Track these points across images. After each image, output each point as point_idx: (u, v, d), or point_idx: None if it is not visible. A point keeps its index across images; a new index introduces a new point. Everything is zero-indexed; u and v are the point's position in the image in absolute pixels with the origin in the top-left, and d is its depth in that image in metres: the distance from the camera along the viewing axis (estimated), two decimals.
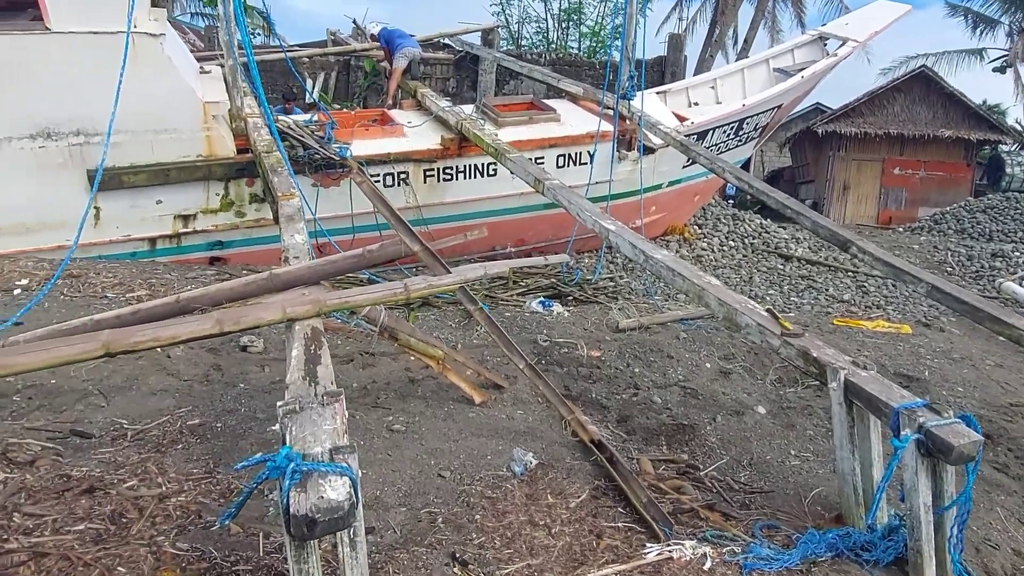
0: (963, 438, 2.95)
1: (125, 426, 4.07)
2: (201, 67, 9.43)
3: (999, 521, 3.71)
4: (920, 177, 21.88)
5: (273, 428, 3.31)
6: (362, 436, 3.89)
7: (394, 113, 9.92)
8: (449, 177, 8.99)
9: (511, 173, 7.54)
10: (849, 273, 10.18)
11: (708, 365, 5.67)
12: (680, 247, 10.82)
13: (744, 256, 10.85)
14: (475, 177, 9.07)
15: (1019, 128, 26.32)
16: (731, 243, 11.38)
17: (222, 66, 8.82)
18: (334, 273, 3.77)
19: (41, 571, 2.74)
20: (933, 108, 22.03)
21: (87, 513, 3.10)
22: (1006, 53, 27.00)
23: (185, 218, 8.21)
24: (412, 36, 12.56)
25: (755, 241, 11.56)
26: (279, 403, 2.50)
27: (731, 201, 17.32)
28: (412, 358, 4.69)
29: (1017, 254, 12.87)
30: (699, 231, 11.78)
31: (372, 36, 12.35)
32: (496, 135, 8.52)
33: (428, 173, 8.89)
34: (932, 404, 3.20)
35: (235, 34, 8.00)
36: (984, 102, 28.95)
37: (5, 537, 2.87)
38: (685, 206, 11.56)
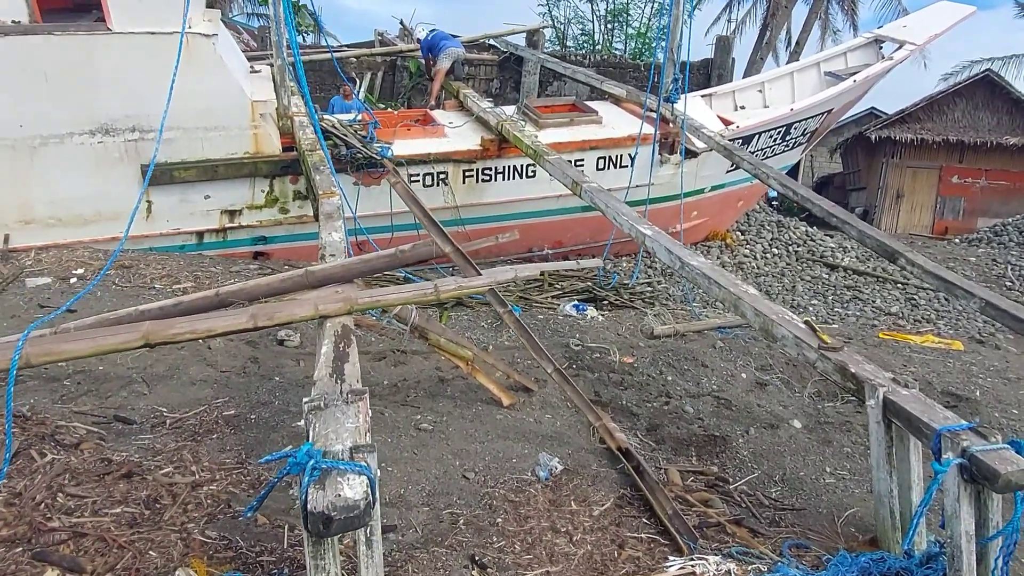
0: (1011, 465, 2.81)
1: (165, 414, 4.20)
2: (252, 66, 9.66)
3: None
4: (980, 186, 21.03)
5: (299, 424, 3.37)
6: (389, 433, 3.93)
7: (436, 113, 10.00)
8: (488, 178, 9.02)
9: (549, 175, 7.53)
10: (898, 285, 9.86)
11: (744, 376, 5.56)
12: (722, 253, 10.64)
13: (788, 264, 10.61)
14: (514, 178, 9.08)
15: None
16: (775, 250, 11.13)
17: (272, 65, 9.02)
18: (368, 272, 3.81)
19: (79, 550, 2.85)
20: (997, 114, 21.16)
21: (124, 497, 3.21)
22: None
23: (231, 213, 8.42)
24: (456, 37, 12.65)
25: (800, 249, 11.29)
26: (304, 399, 2.54)
27: (774, 204, 16.91)
28: (443, 358, 4.72)
29: None
30: (742, 237, 11.56)
31: (417, 41, 12.45)
32: (536, 136, 8.51)
33: (467, 173, 8.93)
34: (978, 427, 3.06)
35: (284, 35, 8.17)
36: None
37: (49, 516, 2.99)
38: (728, 211, 11.37)
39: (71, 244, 7.74)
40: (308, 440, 2.28)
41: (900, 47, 11.21)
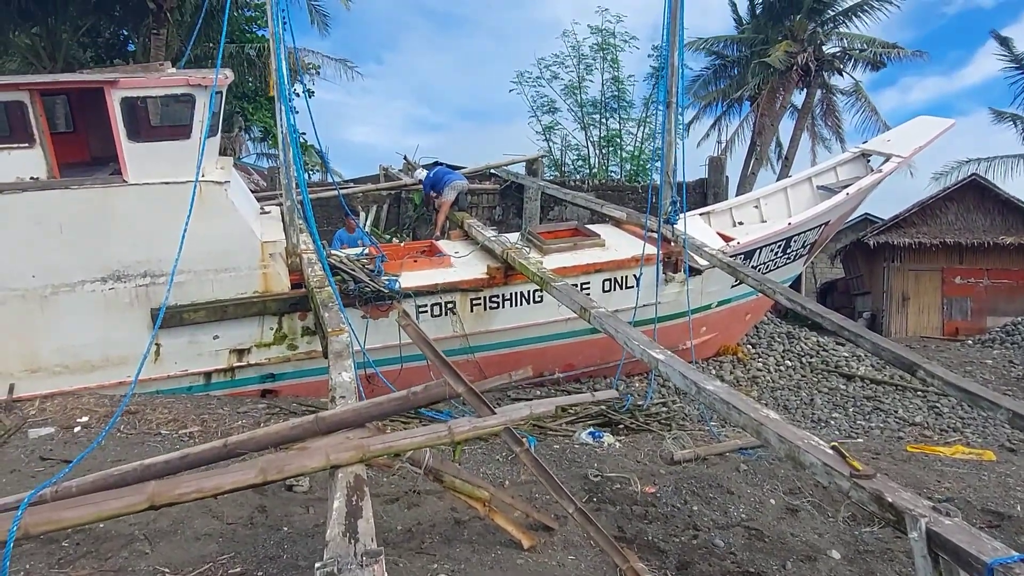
0: None
1: (166, 575, 3.98)
2: (262, 207, 10.00)
3: None
4: (984, 286, 21.10)
5: None
6: None
7: (442, 244, 10.22)
8: (496, 305, 9.08)
9: (557, 301, 7.57)
10: (918, 393, 9.64)
11: (773, 501, 5.31)
12: (735, 368, 10.50)
13: (803, 376, 10.43)
14: (521, 304, 9.13)
15: None
16: (788, 362, 10.99)
17: (281, 205, 9.33)
18: (379, 416, 3.73)
19: None
20: (990, 215, 21.60)
21: None
22: None
23: (240, 352, 8.42)
24: (459, 169, 13.18)
25: (813, 360, 11.14)
26: (317, 564, 2.40)
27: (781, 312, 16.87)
28: (460, 498, 4.52)
29: None
30: (753, 350, 11.46)
31: (418, 181, 12.96)
32: (541, 263, 8.63)
33: (475, 302, 9.00)
34: None
35: (293, 177, 8.50)
36: None
37: None
38: (737, 325, 11.34)
39: (77, 391, 7.69)
40: None
41: (887, 160, 11.61)
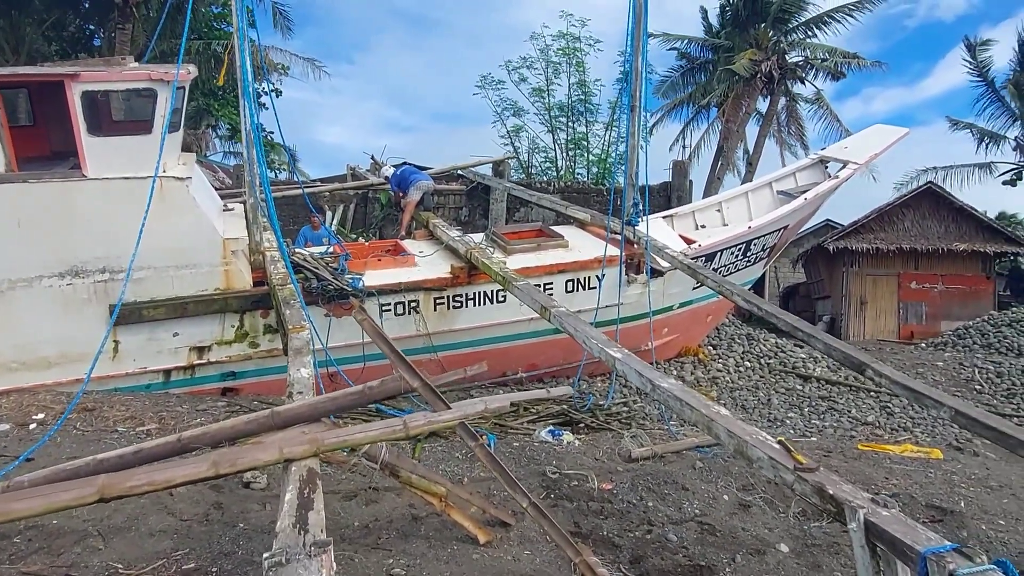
0: None
1: (120, 571, 3.95)
2: (226, 204, 9.90)
3: None
4: (939, 291, 21.76)
5: None
6: None
7: (407, 243, 10.23)
8: (459, 304, 9.11)
9: (519, 301, 7.64)
10: (871, 393, 9.92)
11: (726, 497, 5.44)
12: (695, 369, 10.68)
13: (761, 377, 10.66)
14: (484, 304, 9.18)
15: None
16: (747, 363, 11.22)
17: (245, 203, 9.25)
18: (335, 410, 3.75)
19: None
20: (944, 222, 22.26)
21: None
22: (1015, 166, 27.58)
23: (200, 349, 8.33)
24: (425, 170, 13.20)
25: (772, 361, 11.39)
26: (265, 554, 2.42)
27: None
28: (417, 494, 4.56)
29: None
30: (714, 352, 11.67)
31: (385, 178, 12.96)
32: (504, 263, 8.70)
33: (438, 301, 9.03)
34: (963, 547, 2.99)
35: (256, 174, 8.44)
36: (1002, 214, 29.35)
37: None
38: (698, 327, 11.53)
39: (33, 388, 7.54)
40: None
41: (844, 166, 11.93)
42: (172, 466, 3.24)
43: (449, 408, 3.65)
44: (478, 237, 10.22)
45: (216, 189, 11.52)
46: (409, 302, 8.94)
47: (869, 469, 6.41)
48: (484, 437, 6.20)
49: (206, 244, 8.08)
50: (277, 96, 22.96)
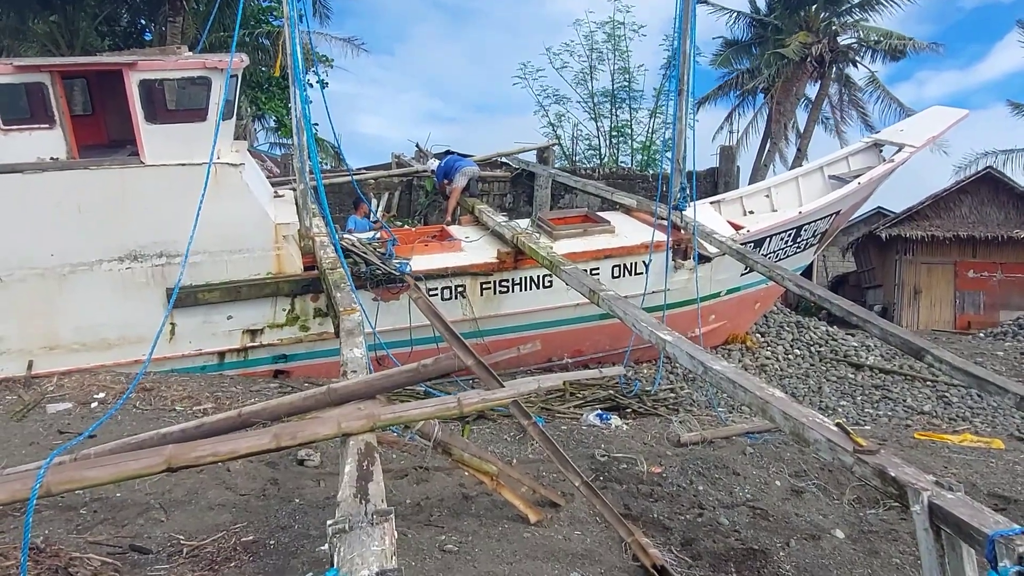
0: None
1: (182, 542, 4.08)
2: (276, 191, 10.09)
3: None
4: (998, 279, 20.96)
5: (323, 548, 3.25)
6: (413, 557, 3.78)
7: (453, 229, 10.28)
8: (505, 289, 9.13)
9: (566, 285, 7.62)
10: (928, 382, 9.62)
11: (778, 483, 5.36)
12: (743, 356, 10.51)
13: (811, 365, 10.42)
14: (531, 289, 9.18)
15: None
16: (796, 351, 10.98)
17: (294, 190, 9.41)
18: (390, 387, 3.80)
19: None
20: (1004, 209, 21.42)
21: None
22: None
23: (253, 332, 8.53)
24: (469, 157, 13.21)
25: (822, 349, 11.14)
26: (329, 522, 2.47)
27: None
28: (466, 473, 4.60)
29: None
30: (762, 339, 11.46)
31: (431, 171, 13.03)
32: (551, 248, 8.68)
33: (485, 286, 9.06)
34: None
35: (307, 162, 8.58)
36: None
37: None
38: (746, 314, 11.34)
39: (94, 368, 7.82)
40: (333, 566, 2.19)
41: (900, 149, 11.54)
42: (235, 438, 3.34)
43: (503, 387, 3.67)
44: (524, 223, 10.21)
45: (266, 177, 11.75)
46: (456, 287, 9.00)
47: (927, 458, 6.23)
48: (535, 420, 6.23)
49: (258, 229, 8.26)
50: (324, 87, 23.28)
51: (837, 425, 3.79)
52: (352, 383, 3.78)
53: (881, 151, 12.08)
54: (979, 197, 21.59)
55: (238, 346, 8.50)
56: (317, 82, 16.11)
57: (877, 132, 13.05)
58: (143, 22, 22.31)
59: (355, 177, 13.40)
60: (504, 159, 15.60)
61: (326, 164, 25.10)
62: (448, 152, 13.74)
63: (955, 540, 3.04)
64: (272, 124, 26.38)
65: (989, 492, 5.41)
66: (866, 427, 7.80)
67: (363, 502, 2.62)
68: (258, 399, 7.19)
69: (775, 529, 4.53)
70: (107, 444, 3.89)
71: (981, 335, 17.70)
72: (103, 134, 9.29)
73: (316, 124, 19.31)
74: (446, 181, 12.12)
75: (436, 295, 8.94)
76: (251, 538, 4.14)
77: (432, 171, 13.00)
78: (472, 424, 6.39)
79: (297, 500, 4.70)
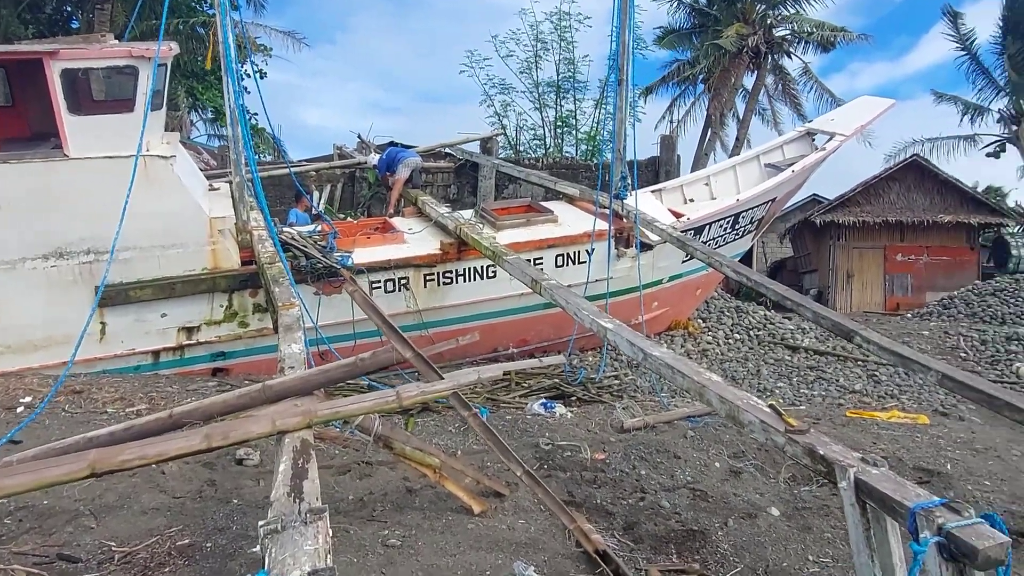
0: (988, 540, 2.76)
1: (113, 548, 3.94)
2: (211, 184, 9.79)
3: None
4: (924, 262, 21.95)
5: (254, 550, 3.18)
6: (355, 553, 3.74)
7: (395, 221, 10.17)
8: (449, 281, 9.09)
9: (509, 275, 7.63)
10: (859, 362, 10.01)
11: (717, 464, 5.49)
12: (685, 341, 10.74)
13: (750, 348, 10.74)
14: (475, 280, 9.17)
15: (1020, 210, 26.62)
16: (736, 335, 11.29)
17: (231, 182, 9.15)
18: (327, 382, 3.73)
19: None
20: (929, 195, 22.39)
21: None
22: (999, 138, 27.77)
23: (189, 330, 8.27)
24: (412, 148, 13.09)
25: (760, 333, 11.48)
26: (260, 522, 2.41)
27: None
28: (410, 467, 4.57)
29: None
30: (703, 324, 11.73)
31: (373, 166, 12.89)
32: (494, 238, 8.67)
33: (428, 277, 9.00)
34: (951, 502, 3.02)
35: (242, 154, 8.34)
36: (981, 186, 29.56)
37: None
38: (688, 300, 11.58)
39: (20, 371, 7.47)
40: (264, 567, 2.14)
41: (831, 138, 11.93)
42: (164, 440, 3.23)
43: (442, 378, 3.65)
44: (467, 214, 10.18)
45: (201, 170, 11.39)
46: (399, 279, 8.91)
47: (857, 435, 6.49)
48: (477, 410, 6.23)
49: (192, 223, 8.00)
50: (262, 77, 22.68)
51: (770, 407, 3.90)
52: (288, 379, 3.70)
53: (814, 140, 12.46)
54: (906, 184, 22.53)
55: (173, 344, 8.23)
56: (255, 72, 15.68)
57: (810, 122, 13.44)
58: (69, 9, 21.31)
59: (296, 169, 13.12)
60: (448, 150, 15.50)
61: (266, 156, 24.53)
62: (391, 143, 13.59)
63: (880, 514, 3.16)
64: (210, 115, 25.63)
65: (914, 466, 5.67)
66: (801, 407, 8.07)
67: (297, 501, 2.57)
68: (195, 398, 6.98)
69: (714, 510, 4.65)
70: (30, 450, 3.71)
71: (909, 316, 18.52)
72: (24, 126, 8.83)
73: (254, 115, 18.84)
74: (389, 173, 11.99)
75: (379, 288, 8.84)
76: (187, 542, 4.03)
77: (374, 165, 12.86)
78: (416, 417, 6.35)
79: (236, 501, 4.59)
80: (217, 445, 3.13)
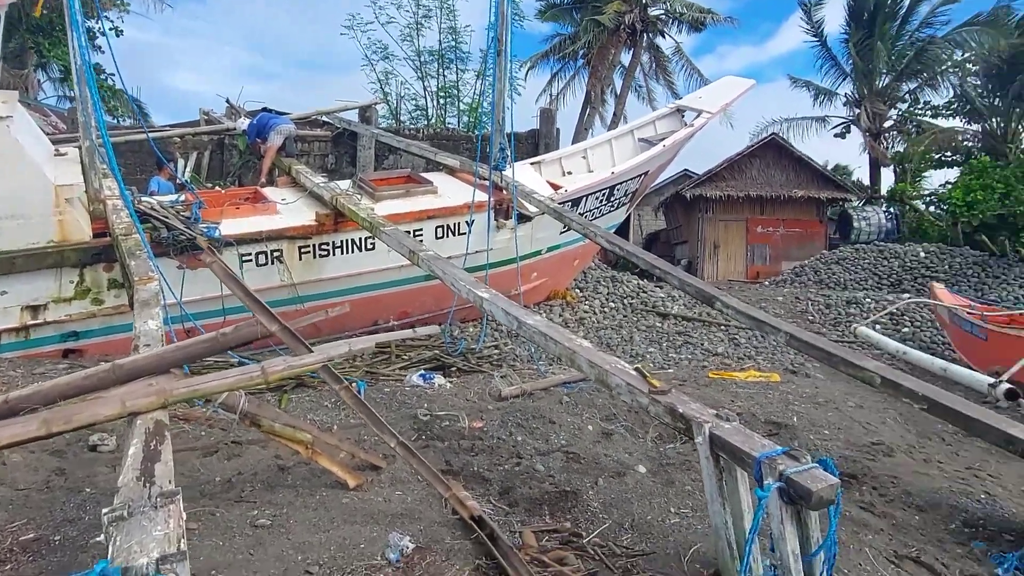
0: (821, 483, 3.05)
1: None
2: (57, 149, 8.92)
3: (868, 562, 3.83)
4: (780, 234, 23.75)
5: (98, 539, 2.99)
6: (221, 536, 3.59)
7: (267, 191, 9.72)
8: (326, 253, 8.82)
9: (387, 246, 7.50)
10: (722, 327, 10.71)
11: (590, 427, 5.71)
12: (563, 311, 11.03)
13: (624, 316, 11.20)
14: (353, 252, 8.94)
15: (862, 186, 29.30)
16: (611, 304, 11.73)
17: (80, 147, 8.37)
18: (185, 360, 3.53)
19: None
20: (786, 171, 24.17)
21: None
22: (844, 120, 30.29)
23: (34, 309, 7.56)
24: (286, 115, 12.51)
25: (634, 301, 11.99)
26: (104, 509, 2.26)
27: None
28: (282, 445, 4.43)
29: (869, 300, 14.04)
30: (581, 294, 12.09)
31: (242, 131, 12.21)
32: (372, 209, 8.48)
33: (303, 250, 8.68)
34: (791, 451, 3.30)
35: (91, 115, 7.64)
36: (831, 164, 32.18)
37: None
38: (566, 271, 11.87)
39: None
40: (107, 556, 2.01)
41: (699, 115, 12.53)
42: None
43: (311, 351, 3.54)
44: (345, 184, 9.88)
45: (49, 134, 10.35)
46: (272, 251, 8.53)
47: (718, 394, 6.95)
48: (353, 384, 6.12)
49: (34, 191, 7.27)
50: (117, 35, 20.83)
51: (636, 370, 4.10)
52: (141, 358, 3.47)
53: (683, 116, 13.03)
54: (766, 160, 24.18)
55: (16, 325, 7.49)
56: (109, 29, 14.35)
57: (680, 99, 14.06)
58: None
59: (156, 135, 12.21)
60: (324, 118, 14.92)
61: (125, 120, 22.65)
62: (265, 110, 12.90)
63: (731, 464, 3.41)
64: (58, 74, 23.34)
65: (766, 420, 6.16)
66: (670, 370, 8.53)
67: (148, 485, 2.43)
68: (42, 384, 6.41)
69: (585, 471, 4.83)
70: None
71: (766, 283, 20.01)
72: None
73: (110, 75, 17.28)
74: (260, 140, 11.41)
75: (250, 261, 8.43)
76: (32, 536, 3.71)
77: (244, 130, 12.19)
78: (291, 393, 6.16)
79: (88, 489, 4.27)
80: (58, 430, 2.90)
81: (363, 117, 15.49)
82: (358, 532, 3.72)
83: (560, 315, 10.72)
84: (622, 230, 23.29)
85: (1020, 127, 25.53)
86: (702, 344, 9.92)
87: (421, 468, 3.91)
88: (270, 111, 12.51)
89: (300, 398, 6.09)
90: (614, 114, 26.46)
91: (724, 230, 23.71)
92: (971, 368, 7.29)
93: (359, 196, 9.20)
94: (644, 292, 12.50)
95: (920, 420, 6.66)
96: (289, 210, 8.98)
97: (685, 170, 28.24)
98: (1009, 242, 18.25)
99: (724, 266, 23.59)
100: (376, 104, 17.15)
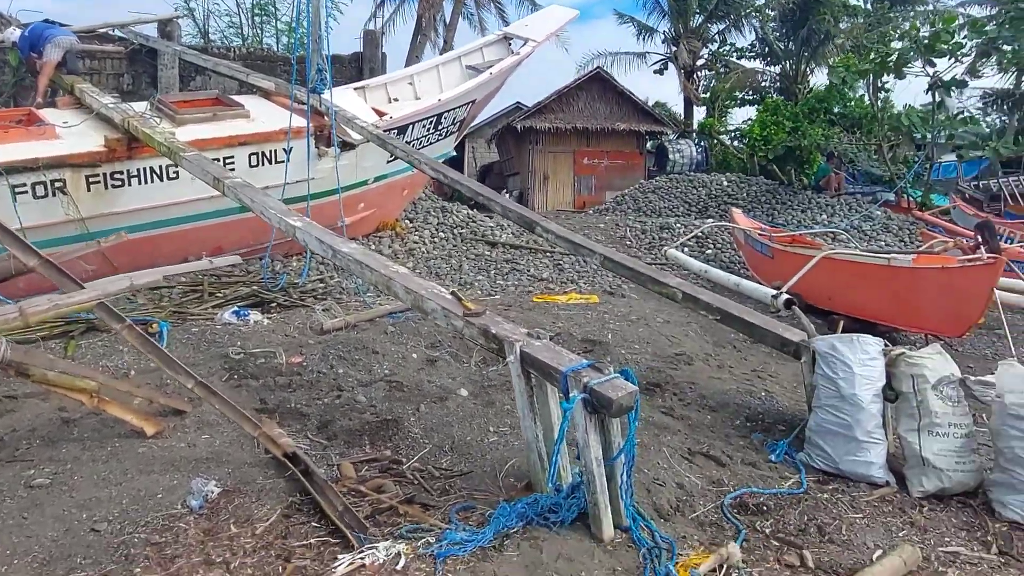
0: (621, 391, 3.23)
1: None
2: None
3: (665, 460, 4.16)
4: (605, 166, 24.78)
5: None
6: None
7: (45, 112, 8.44)
8: (120, 183, 7.89)
9: (190, 174, 6.84)
10: (547, 254, 11.04)
11: (415, 356, 5.69)
12: (393, 242, 10.81)
13: (454, 246, 11.19)
14: (153, 181, 8.08)
15: (678, 120, 31.18)
16: (441, 234, 11.67)
17: None
18: None
19: None
20: (610, 105, 25.06)
21: None
22: (663, 57, 31.78)
23: None
24: (67, 26, 10.86)
25: (463, 231, 12.00)
26: None
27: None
28: (62, 394, 3.97)
29: (679, 226, 15.12)
30: (411, 225, 11.90)
31: (13, 44, 10.44)
32: (173, 134, 7.66)
33: (92, 180, 7.70)
34: (596, 364, 3.45)
35: None
36: (650, 101, 33.79)
37: None
38: (395, 201, 11.58)
39: None
40: None
41: (525, 43, 12.48)
42: None
43: (82, 288, 3.13)
44: (141, 106, 8.81)
45: None
46: (52, 182, 7.47)
47: (540, 316, 7.19)
48: (155, 325, 5.63)
49: None
50: None
51: (452, 294, 4.08)
52: None
53: (510, 44, 12.92)
54: (592, 93, 24.89)
55: None
56: None
57: (505, 27, 13.92)
58: None
59: None
60: (117, 32, 13.13)
61: None
62: (46, 22, 11.08)
63: (541, 380, 3.52)
64: None
65: (583, 338, 6.47)
66: (496, 296, 8.69)
67: None
68: None
69: (408, 398, 4.82)
70: None
71: (591, 212, 20.94)
72: None
73: None
74: (34, 55, 9.85)
75: (26, 193, 7.35)
76: None
77: (14, 43, 10.44)
78: (79, 339, 5.54)
79: None
80: None
81: (163, 33, 13.81)
82: (156, 482, 3.46)
83: (390, 246, 10.50)
84: (456, 162, 23.18)
85: (808, 69, 28.22)
86: (528, 271, 10.18)
87: (225, 407, 3.68)
88: (52, 23, 10.78)
89: (92, 343, 5.50)
90: (444, 41, 25.78)
91: (553, 161, 24.30)
92: (759, 283, 8.08)
93: (158, 119, 8.26)
94: (474, 222, 12.55)
95: (717, 331, 7.33)
96: (72, 134, 7.88)
97: (517, 102, 28.39)
98: (795, 172, 20.42)
99: (553, 196, 24.30)
100: (178, 18, 15.32)
